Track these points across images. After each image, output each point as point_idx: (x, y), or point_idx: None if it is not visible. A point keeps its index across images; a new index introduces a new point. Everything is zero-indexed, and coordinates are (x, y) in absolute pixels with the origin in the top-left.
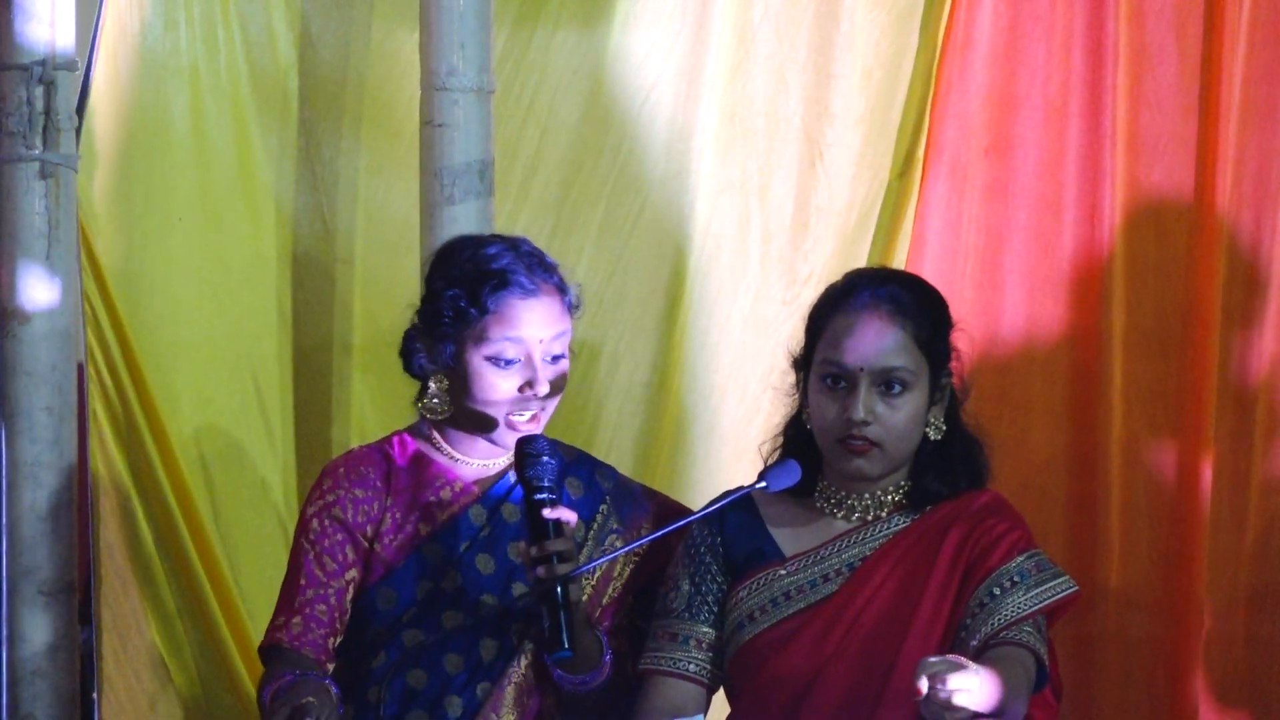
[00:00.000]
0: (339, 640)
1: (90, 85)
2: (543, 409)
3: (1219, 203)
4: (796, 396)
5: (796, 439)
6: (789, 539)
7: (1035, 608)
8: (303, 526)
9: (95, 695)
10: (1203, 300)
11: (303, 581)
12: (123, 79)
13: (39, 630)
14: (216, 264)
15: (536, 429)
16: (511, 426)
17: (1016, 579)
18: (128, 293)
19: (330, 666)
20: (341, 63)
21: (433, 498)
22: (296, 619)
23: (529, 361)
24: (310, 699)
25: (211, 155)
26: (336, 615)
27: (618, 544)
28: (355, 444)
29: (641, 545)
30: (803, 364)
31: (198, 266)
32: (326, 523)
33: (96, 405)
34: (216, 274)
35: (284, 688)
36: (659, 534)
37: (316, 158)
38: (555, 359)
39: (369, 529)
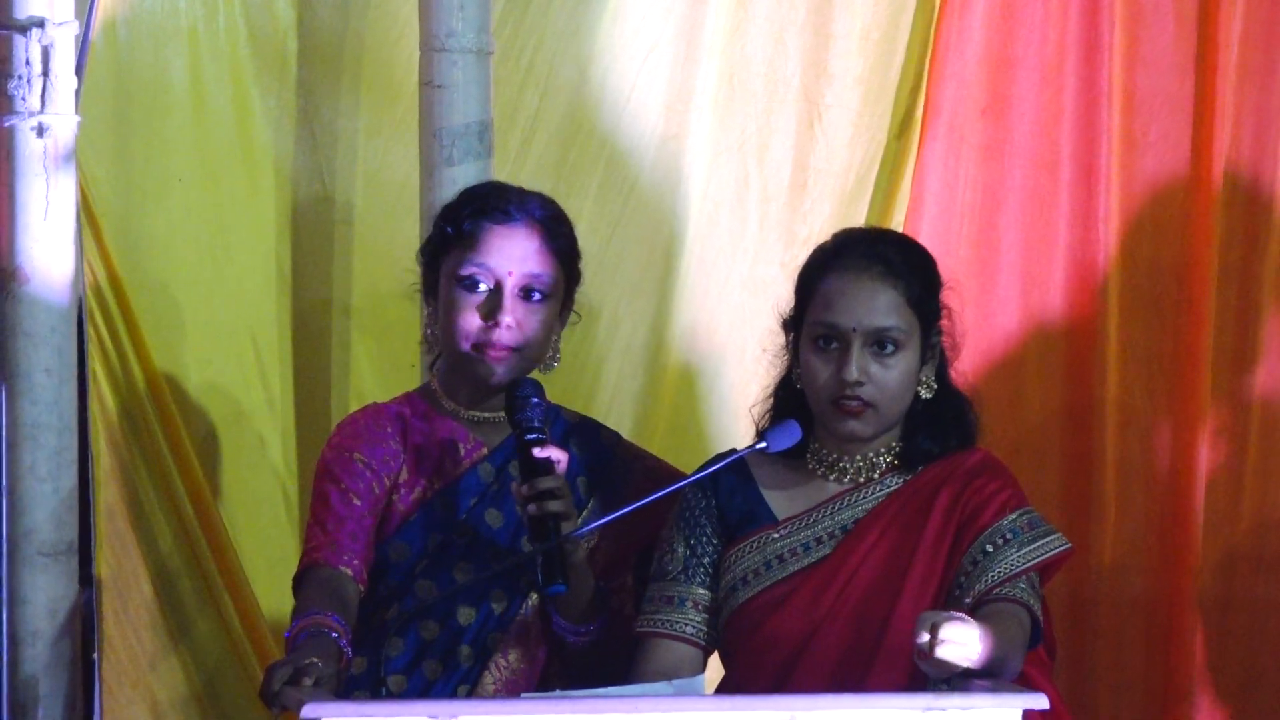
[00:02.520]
0: (366, 573)
1: (89, 46)
2: (513, 348)
3: (1215, 162)
4: (786, 358)
5: (787, 400)
6: (782, 502)
7: (1028, 564)
8: (324, 470)
9: (96, 656)
10: (1199, 259)
11: (331, 514)
12: (121, 40)
13: (39, 591)
14: (215, 225)
15: (507, 363)
16: (480, 352)
17: (1009, 536)
18: (127, 254)
19: (363, 589)
20: (340, 24)
21: (445, 455)
22: (331, 543)
23: (498, 290)
24: (314, 659)
25: (210, 116)
26: (366, 546)
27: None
28: (354, 405)
29: (635, 509)
30: (793, 325)
31: (197, 227)
32: (349, 462)
33: (96, 366)
34: (215, 235)
35: (304, 634)
36: (654, 497)
37: (315, 119)
38: (530, 298)
39: (387, 478)
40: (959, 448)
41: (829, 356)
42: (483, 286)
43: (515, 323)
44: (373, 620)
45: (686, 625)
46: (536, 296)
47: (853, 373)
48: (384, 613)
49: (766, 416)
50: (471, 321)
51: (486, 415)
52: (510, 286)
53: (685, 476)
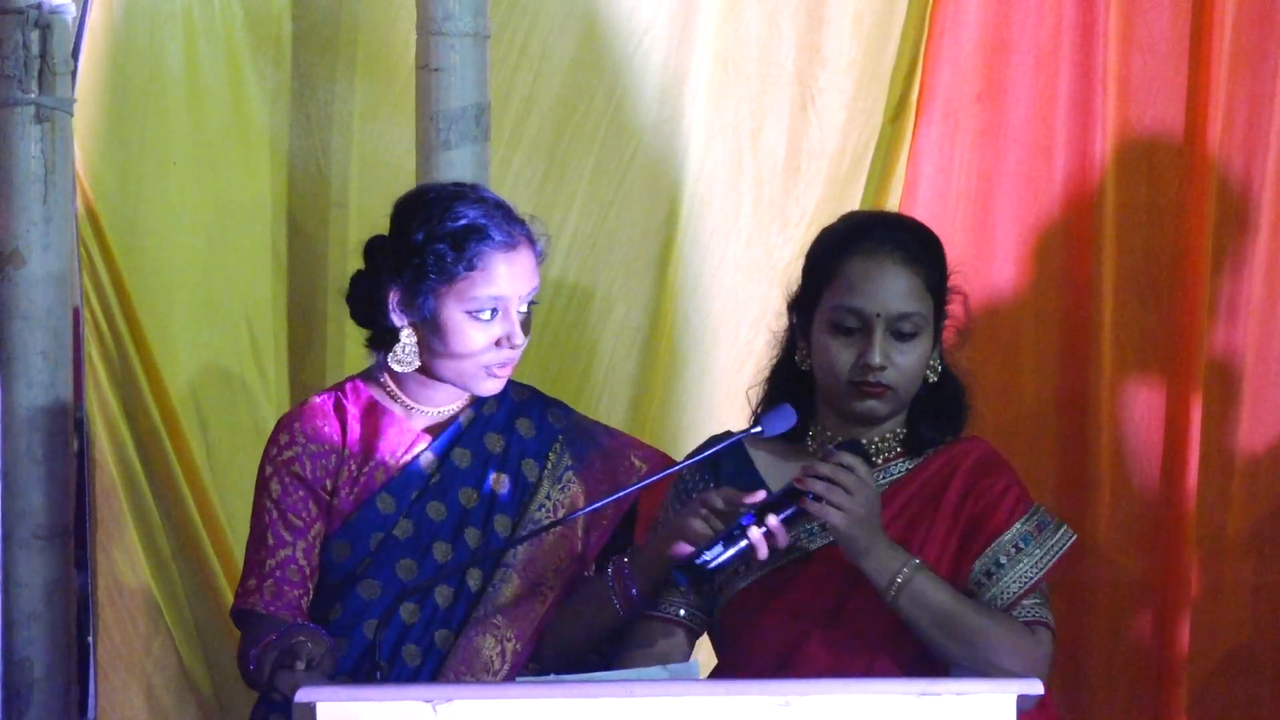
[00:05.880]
0: (307, 604)
1: (85, 29)
2: (515, 358)
3: (1210, 147)
4: (786, 338)
5: (786, 382)
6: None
7: (1041, 573)
8: (263, 486)
9: (91, 639)
10: (1193, 244)
11: (270, 543)
12: (117, 23)
13: (35, 574)
14: (211, 208)
15: (509, 375)
16: (491, 375)
17: (1020, 544)
18: (123, 237)
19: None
20: (335, 6)
21: (386, 447)
22: (268, 583)
23: (506, 315)
24: (301, 638)
25: (206, 99)
26: (307, 573)
27: (574, 482)
28: None
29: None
30: (804, 306)
31: (193, 211)
32: (286, 480)
33: (92, 349)
34: (211, 218)
35: (273, 643)
36: (651, 480)
37: (311, 101)
38: (528, 313)
39: (328, 483)
40: (955, 432)
41: (849, 340)
42: (493, 312)
43: (522, 339)
44: (316, 622)
45: (679, 608)
46: (532, 306)
47: (876, 358)
48: (328, 614)
49: (764, 399)
50: (485, 346)
51: (438, 409)
52: (516, 307)
53: (657, 454)
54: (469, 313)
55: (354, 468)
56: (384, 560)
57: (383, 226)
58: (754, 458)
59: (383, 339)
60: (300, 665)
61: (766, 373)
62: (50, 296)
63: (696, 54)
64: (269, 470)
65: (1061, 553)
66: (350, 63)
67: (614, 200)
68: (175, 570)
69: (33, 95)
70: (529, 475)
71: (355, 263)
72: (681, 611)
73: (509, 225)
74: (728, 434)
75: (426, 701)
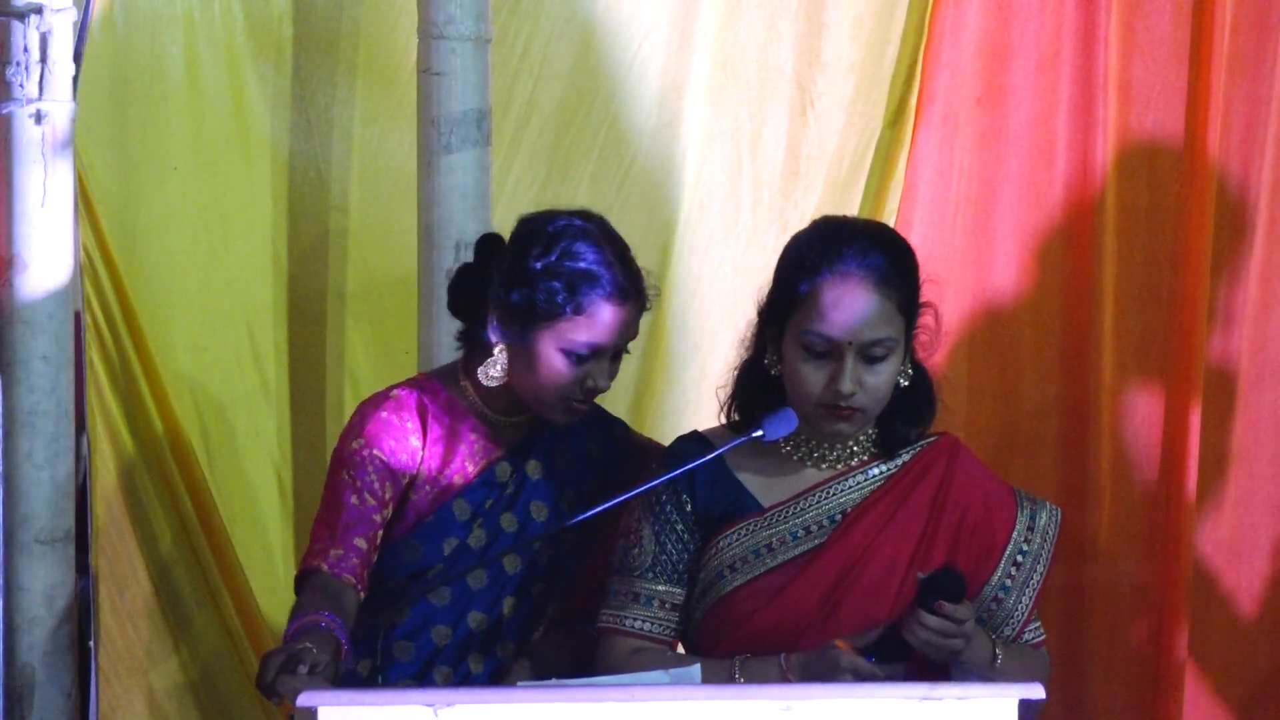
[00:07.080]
0: (368, 578)
1: (87, 33)
2: (595, 396)
3: (1210, 151)
4: (754, 341)
5: (757, 384)
6: (762, 489)
7: (1042, 578)
8: (343, 460)
9: (92, 644)
10: (1193, 248)
11: (344, 513)
12: (118, 27)
13: (36, 579)
14: (212, 212)
15: (585, 410)
16: (568, 408)
17: (1019, 560)
18: (124, 241)
19: (363, 595)
20: (336, 10)
21: (465, 452)
22: (337, 548)
23: (599, 359)
24: (308, 644)
25: (207, 103)
26: (371, 550)
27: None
28: (349, 392)
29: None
30: (773, 316)
31: (193, 215)
32: (369, 458)
33: (93, 354)
34: (212, 222)
35: (300, 630)
36: (642, 489)
37: (311, 105)
38: (617, 354)
39: (406, 476)
40: (927, 426)
41: (820, 364)
42: (587, 357)
43: (607, 384)
44: (380, 619)
45: (652, 624)
46: (626, 351)
47: (847, 384)
48: (395, 615)
49: (733, 401)
50: (571, 382)
51: (513, 420)
52: (609, 353)
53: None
54: (563, 351)
55: (433, 468)
56: (455, 567)
57: (382, 229)
58: (731, 463)
59: (475, 345)
60: (303, 670)
61: (738, 373)
62: (51, 301)
63: (696, 58)
64: (353, 446)
65: (1055, 540)
66: (351, 67)
67: (613, 204)
68: (176, 575)
69: (34, 99)
70: (592, 494)
71: (356, 265)
72: (653, 627)
73: (624, 275)
74: (694, 434)
75: (428, 705)
